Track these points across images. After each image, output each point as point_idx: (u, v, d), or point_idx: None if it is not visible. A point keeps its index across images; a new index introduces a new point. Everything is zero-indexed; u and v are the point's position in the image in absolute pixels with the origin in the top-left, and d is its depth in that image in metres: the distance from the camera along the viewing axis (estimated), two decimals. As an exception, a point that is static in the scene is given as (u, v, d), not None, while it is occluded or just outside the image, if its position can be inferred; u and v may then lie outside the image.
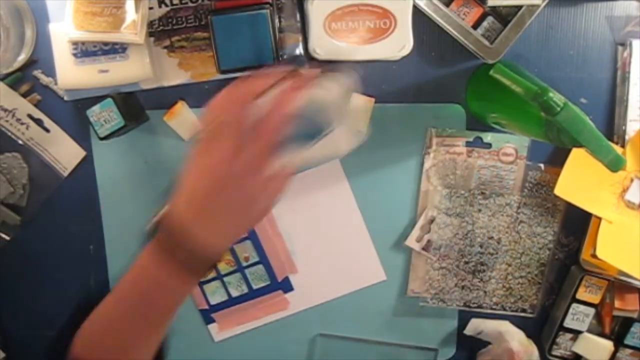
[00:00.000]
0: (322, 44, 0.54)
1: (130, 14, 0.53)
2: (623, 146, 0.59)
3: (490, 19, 0.57)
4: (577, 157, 0.58)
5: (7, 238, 0.63)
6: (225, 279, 0.64)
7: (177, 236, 0.44)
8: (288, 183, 0.47)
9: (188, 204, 0.45)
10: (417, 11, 0.54)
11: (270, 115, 0.43)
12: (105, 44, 0.55)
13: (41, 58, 0.59)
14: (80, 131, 0.61)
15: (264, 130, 0.44)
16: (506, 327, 0.64)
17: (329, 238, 0.64)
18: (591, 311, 0.63)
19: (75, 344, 0.49)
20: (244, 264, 0.64)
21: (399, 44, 0.53)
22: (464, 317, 0.65)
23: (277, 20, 0.55)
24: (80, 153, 0.62)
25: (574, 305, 0.62)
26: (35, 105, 0.60)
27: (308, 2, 0.50)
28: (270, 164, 0.44)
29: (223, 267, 0.64)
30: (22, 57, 0.58)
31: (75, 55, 0.55)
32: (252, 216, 0.46)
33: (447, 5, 0.56)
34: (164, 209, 0.46)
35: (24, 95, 0.60)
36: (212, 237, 0.45)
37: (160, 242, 0.45)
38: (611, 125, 0.61)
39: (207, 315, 0.65)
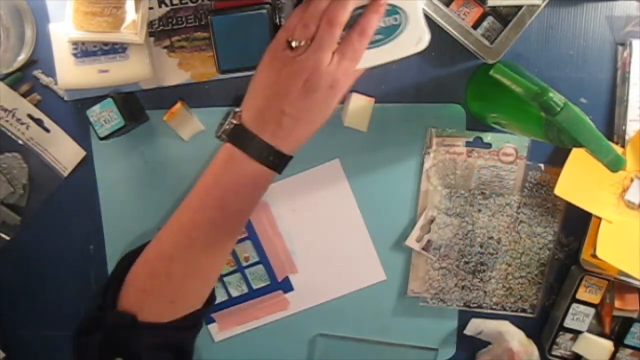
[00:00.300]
0: None
1: (130, 14, 0.53)
2: (623, 146, 0.59)
3: (490, 19, 0.57)
4: (577, 157, 0.58)
5: (7, 238, 0.63)
6: (225, 279, 0.64)
7: (254, 138, 0.48)
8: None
9: (259, 115, 0.48)
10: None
11: (361, 29, 0.47)
12: (105, 44, 0.55)
13: (41, 58, 0.59)
14: (80, 131, 0.61)
15: (353, 46, 0.47)
16: (506, 327, 0.64)
17: (329, 238, 0.64)
18: (591, 311, 0.63)
19: (124, 295, 0.50)
20: (244, 264, 0.64)
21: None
22: (464, 317, 0.65)
23: (277, 20, 0.55)
24: (80, 153, 0.62)
25: (574, 305, 0.62)
26: (35, 105, 0.60)
27: None
28: (350, 76, 0.49)
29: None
30: (22, 57, 0.58)
31: (75, 55, 0.55)
32: (324, 117, 0.50)
33: (447, 5, 0.56)
34: (234, 113, 0.50)
35: (24, 95, 0.60)
36: (282, 138, 0.48)
37: (238, 142, 0.48)
38: (611, 125, 0.61)
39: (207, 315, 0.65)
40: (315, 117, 0.49)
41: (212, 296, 0.56)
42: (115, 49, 0.55)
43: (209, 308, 0.55)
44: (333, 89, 0.48)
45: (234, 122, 0.49)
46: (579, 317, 0.63)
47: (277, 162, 0.49)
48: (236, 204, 0.50)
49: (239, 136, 0.48)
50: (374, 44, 0.49)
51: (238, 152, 0.48)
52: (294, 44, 0.47)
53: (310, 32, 0.47)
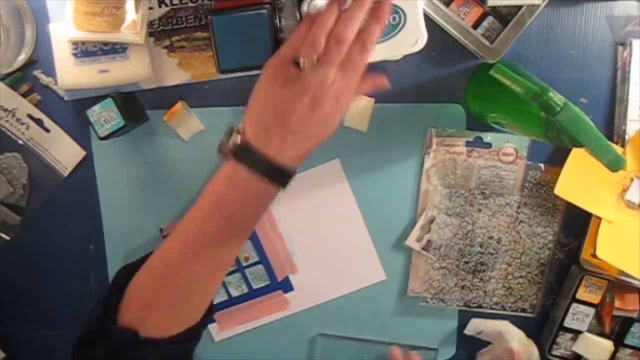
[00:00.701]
0: None
1: (130, 14, 0.53)
2: (623, 146, 0.59)
3: (490, 18, 0.57)
4: (577, 157, 0.58)
5: (7, 238, 0.63)
6: (225, 278, 0.64)
7: (260, 155, 0.47)
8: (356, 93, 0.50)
9: (262, 131, 0.48)
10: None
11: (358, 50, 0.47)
12: (105, 44, 0.55)
13: (41, 58, 0.59)
14: (80, 131, 0.61)
15: (354, 61, 0.47)
16: (506, 327, 0.64)
17: (329, 238, 0.64)
18: (591, 311, 0.63)
19: (126, 309, 0.49)
20: (244, 264, 0.64)
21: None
22: (464, 317, 0.65)
23: (277, 20, 0.55)
24: (80, 153, 0.62)
25: (574, 305, 0.62)
26: (35, 105, 0.60)
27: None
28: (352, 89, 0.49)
29: (223, 267, 0.64)
30: (22, 57, 0.58)
31: (75, 55, 0.55)
32: (327, 131, 0.50)
33: (447, 5, 0.56)
34: (237, 130, 0.49)
35: (24, 95, 0.60)
36: (287, 154, 0.48)
37: (244, 159, 0.48)
38: (611, 125, 0.61)
39: (207, 315, 0.65)
40: (319, 132, 0.49)
41: (210, 307, 0.56)
42: (115, 49, 0.55)
43: (208, 319, 0.55)
44: (337, 102, 0.48)
45: (239, 139, 0.48)
46: (579, 317, 0.63)
47: (282, 177, 0.49)
48: (242, 218, 0.50)
49: (245, 154, 0.48)
50: None
51: (244, 169, 0.48)
52: (301, 62, 0.46)
53: (319, 51, 0.46)
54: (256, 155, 0.47)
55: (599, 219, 0.59)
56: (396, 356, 0.63)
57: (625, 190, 0.59)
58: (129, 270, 0.52)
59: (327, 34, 0.46)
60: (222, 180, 0.49)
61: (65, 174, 0.62)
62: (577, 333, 0.63)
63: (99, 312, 0.50)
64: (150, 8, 0.56)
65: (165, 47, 0.58)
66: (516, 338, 0.63)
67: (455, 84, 0.60)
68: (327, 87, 0.46)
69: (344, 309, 0.65)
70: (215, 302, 0.65)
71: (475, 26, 0.57)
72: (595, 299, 0.62)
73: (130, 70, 0.55)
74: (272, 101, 0.48)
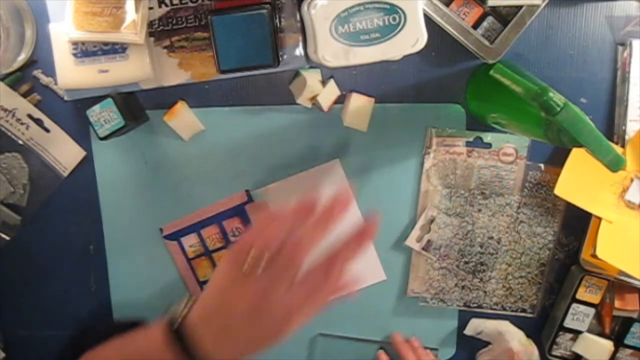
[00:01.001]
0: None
1: (130, 14, 0.53)
2: (623, 146, 0.59)
3: (490, 19, 0.57)
4: (577, 157, 0.58)
5: (7, 238, 0.63)
6: (225, 279, 0.64)
7: (191, 342, 0.42)
8: (318, 302, 0.43)
9: (205, 318, 0.43)
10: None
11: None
12: (105, 44, 0.54)
13: (41, 58, 0.59)
14: (80, 131, 0.61)
15: (316, 288, 0.42)
16: (506, 327, 0.64)
17: (329, 238, 0.63)
18: (591, 311, 0.63)
19: None
20: (244, 264, 0.64)
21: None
22: (464, 317, 0.65)
23: (277, 20, 0.55)
24: (80, 153, 0.62)
25: (574, 305, 0.62)
26: (35, 105, 0.60)
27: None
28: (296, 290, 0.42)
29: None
30: (22, 57, 0.58)
31: (75, 55, 0.55)
32: (270, 342, 0.43)
33: (447, 5, 0.56)
34: (186, 304, 0.46)
35: (24, 95, 0.60)
36: (222, 351, 0.43)
37: (174, 336, 0.43)
38: (611, 125, 0.61)
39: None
40: (259, 342, 0.43)
41: None
42: (115, 49, 0.55)
43: None
44: (287, 320, 0.42)
45: (180, 315, 0.44)
46: (579, 317, 0.63)
47: None
48: None
49: (179, 334, 0.43)
50: (369, 42, 0.49)
51: (174, 347, 0.43)
52: (247, 262, 0.42)
53: (269, 255, 0.42)
54: (188, 341, 0.42)
55: (599, 219, 0.59)
56: (398, 342, 0.63)
57: (625, 190, 0.59)
58: (89, 340, 0.48)
59: (282, 241, 0.42)
60: (150, 343, 0.44)
61: (65, 174, 0.62)
62: (577, 333, 0.63)
63: None
64: (150, 8, 0.56)
65: (165, 47, 0.57)
66: (516, 338, 0.63)
67: (455, 84, 0.60)
68: (275, 300, 0.41)
69: (344, 309, 0.65)
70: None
71: (475, 26, 0.57)
72: (595, 299, 0.62)
73: (130, 70, 0.55)
74: (220, 290, 0.44)
